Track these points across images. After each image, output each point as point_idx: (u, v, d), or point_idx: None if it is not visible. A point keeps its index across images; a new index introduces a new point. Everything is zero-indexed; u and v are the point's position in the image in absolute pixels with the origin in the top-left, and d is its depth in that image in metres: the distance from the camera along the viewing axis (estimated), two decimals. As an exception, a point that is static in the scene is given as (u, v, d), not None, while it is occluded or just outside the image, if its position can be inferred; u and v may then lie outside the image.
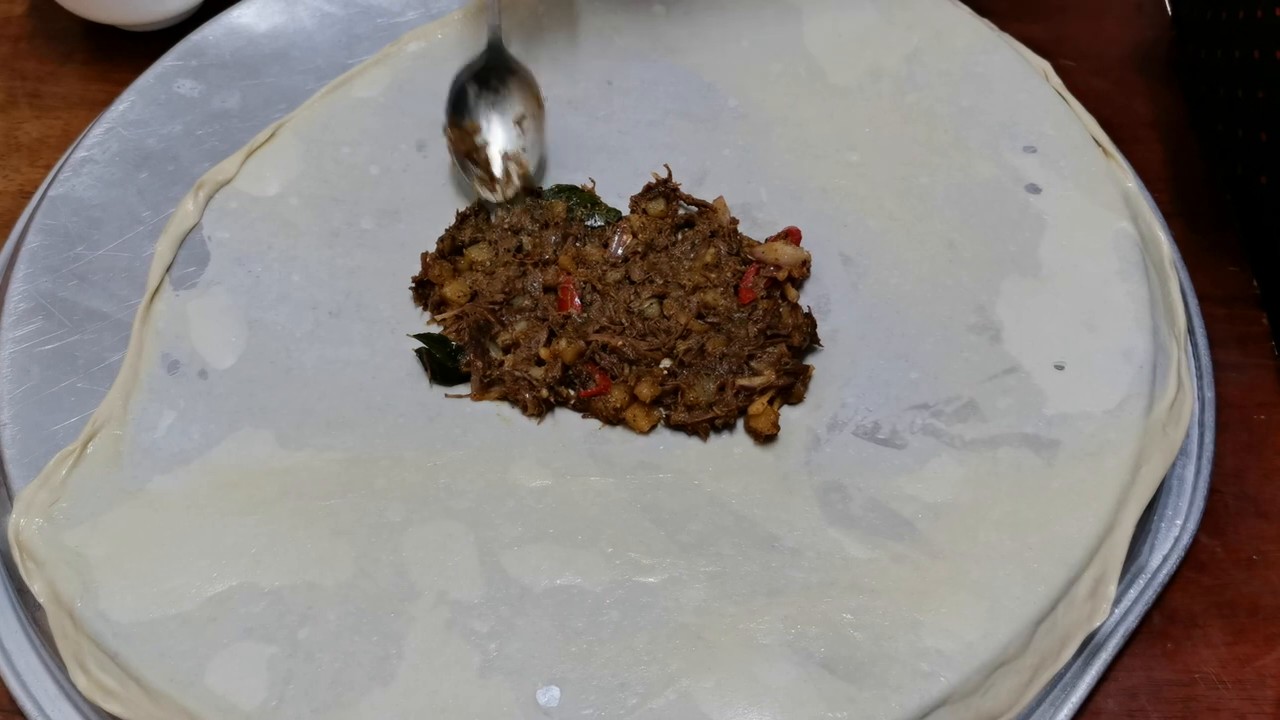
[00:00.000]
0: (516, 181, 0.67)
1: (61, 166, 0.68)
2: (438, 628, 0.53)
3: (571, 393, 0.61)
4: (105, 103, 0.72)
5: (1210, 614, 0.59)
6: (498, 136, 0.68)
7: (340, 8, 0.75)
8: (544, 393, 0.60)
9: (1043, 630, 0.53)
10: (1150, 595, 0.58)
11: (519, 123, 0.68)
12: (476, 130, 0.67)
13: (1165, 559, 0.59)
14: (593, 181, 0.69)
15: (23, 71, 0.81)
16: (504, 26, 0.73)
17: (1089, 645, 0.56)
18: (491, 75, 0.68)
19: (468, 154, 0.67)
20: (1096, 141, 0.68)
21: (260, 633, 0.52)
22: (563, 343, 0.61)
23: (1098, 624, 0.55)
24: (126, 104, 0.70)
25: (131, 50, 0.80)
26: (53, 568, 0.54)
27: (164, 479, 0.57)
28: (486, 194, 0.67)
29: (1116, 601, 0.57)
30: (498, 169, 0.67)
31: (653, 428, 0.60)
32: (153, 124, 0.69)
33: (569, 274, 0.64)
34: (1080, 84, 0.72)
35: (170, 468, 0.57)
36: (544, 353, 0.61)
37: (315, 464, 0.58)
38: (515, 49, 0.72)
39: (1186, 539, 0.60)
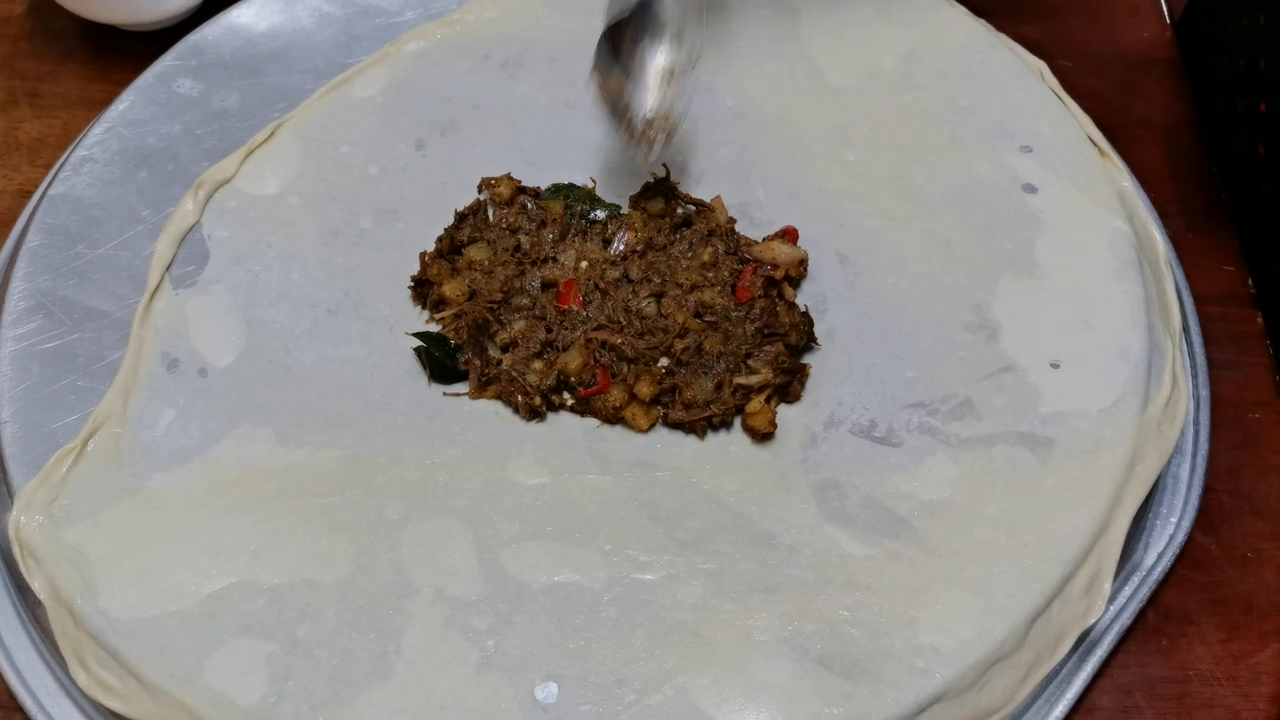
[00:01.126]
0: (657, 145, 0.64)
1: (61, 166, 0.69)
2: (436, 625, 0.53)
3: (568, 397, 0.61)
4: (104, 102, 0.72)
5: (1205, 611, 0.60)
6: (643, 93, 0.63)
7: (339, 7, 0.75)
8: (536, 400, 0.60)
9: (1038, 627, 0.53)
10: (1145, 592, 0.58)
11: (668, 77, 0.63)
12: (621, 85, 0.64)
13: (1160, 556, 0.60)
14: (593, 180, 0.69)
15: (22, 71, 0.81)
16: (504, 25, 0.74)
17: (1084, 642, 0.56)
18: (645, 19, 0.64)
19: (614, 104, 0.64)
20: (1092, 141, 0.68)
21: (259, 629, 0.53)
22: (572, 353, 0.61)
23: (1093, 621, 0.55)
24: (126, 103, 0.70)
25: (130, 50, 0.80)
26: (53, 565, 0.55)
27: (163, 476, 0.57)
28: (631, 147, 0.64)
29: (1111, 599, 0.57)
30: (637, 129, 0.63)
31: (652, 426, 0.60)
32: (152, 123, 0.70)
33: (572, 276, 0.64)
34: (1076, 84, 0.73)
35: (170, 465, 0.58)
36: (538, 365, 0.61)
37: (314, 462, 0.58)
38: (515, 49, 0.73)
39: (1181, 536, 0.60)
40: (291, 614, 0.53)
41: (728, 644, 0.52)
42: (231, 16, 0.74)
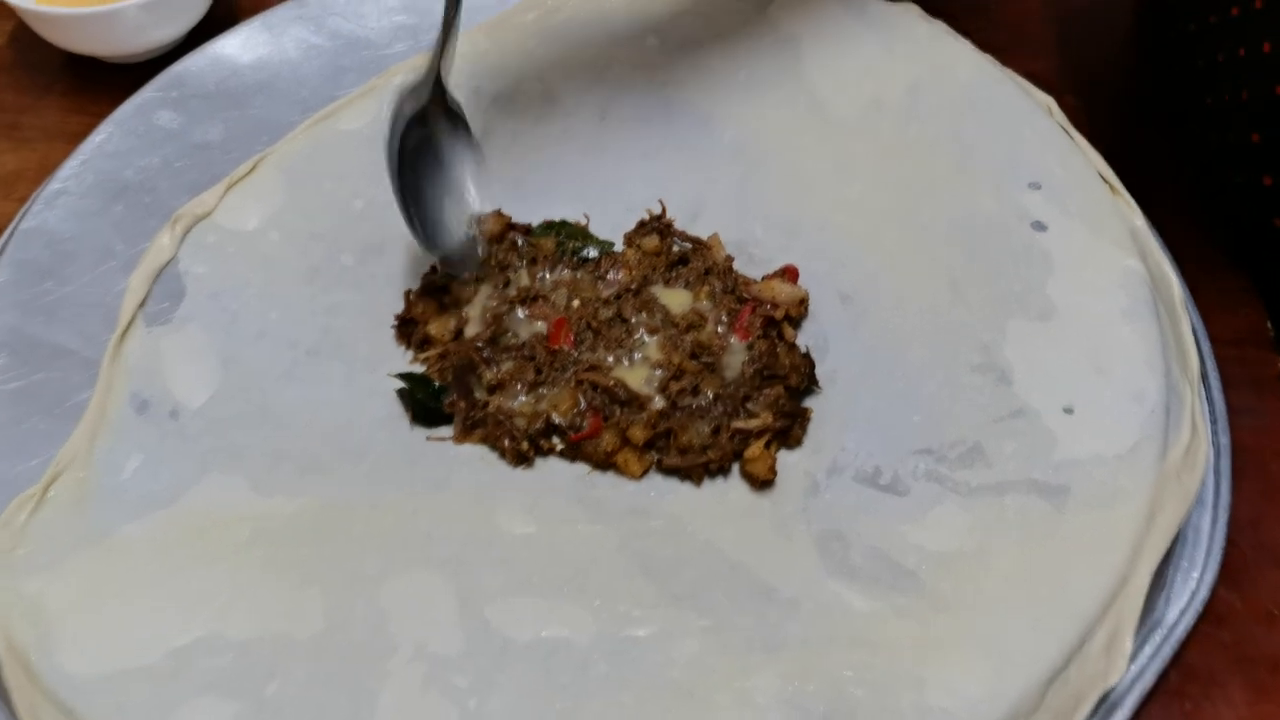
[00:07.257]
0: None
1: (35, 199, 0.66)
2: (414, 683, 0.50)
3: (557, 442, 0.59)
4: (85, 135, 0.70)
5: (1230, 671, 0.56)
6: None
7: (327, 39, 0.73)
8: (524, 445, 0.58)
9: (1055, 688, 0.50)
10: (1167, 651, 0.55)
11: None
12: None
13: (1182, 613, 0.56)
14: (586, 217, 0.66)
15: (2, 103, 0.79)
16: (496, 57, 0.72)
17: (1104, 704, 0.53)
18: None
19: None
20: (1103, 178, 0.66)
21: (224, 688, 0.50)
22: (560, 393, 0.59)
23: (1114, 682, 0.52)
24: (104, 135, 0.68)
25: (113, 82, 0.78)
26: (8, 617, 0.52)
27: (129, 525, 0.55)
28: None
29: (1132, 658, 0.54)
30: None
31: (645, 472, 0.58)
32: (130, 156, 0.68)
33: (563, 314, 0.62)
34: (1085, 120, 0.70)
35: (137, 513, 0.55)
36: (524, 407, 0.59)
37: (289, 510, 0.55)
38: (507, 81, 0.71)
39: (1204, 592, 0.57)
40: (260, 671, 0.50)
41: (725, 705, 0.49)
42: (216, 47, 0.73)
